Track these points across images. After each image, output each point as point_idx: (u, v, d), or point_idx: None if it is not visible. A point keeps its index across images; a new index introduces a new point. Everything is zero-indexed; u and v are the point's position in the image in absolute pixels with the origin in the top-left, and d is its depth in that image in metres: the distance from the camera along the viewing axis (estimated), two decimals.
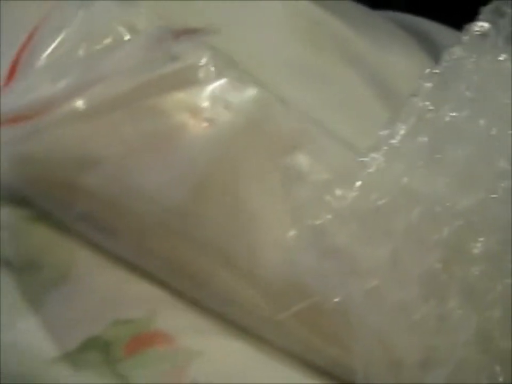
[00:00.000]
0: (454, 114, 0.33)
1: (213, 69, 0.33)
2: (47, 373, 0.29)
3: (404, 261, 0.32)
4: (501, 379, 0.30)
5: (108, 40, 0.34)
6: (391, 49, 0.45)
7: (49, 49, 0.32)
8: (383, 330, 0.32)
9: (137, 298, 0.31)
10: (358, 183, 0.33)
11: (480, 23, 0.35)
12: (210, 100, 0.32)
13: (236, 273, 0.32)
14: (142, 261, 0.32)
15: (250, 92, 0.33)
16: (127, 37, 0.33)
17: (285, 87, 0.37)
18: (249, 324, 0.32)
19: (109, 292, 0.31)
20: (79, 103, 0.31)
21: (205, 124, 0.32)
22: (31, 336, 0.30)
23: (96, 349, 0.30)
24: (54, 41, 0.32)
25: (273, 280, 0.32)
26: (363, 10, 0.46)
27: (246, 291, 0.32)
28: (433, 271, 0.33)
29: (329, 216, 0.32)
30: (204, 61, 0.33)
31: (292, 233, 0.32)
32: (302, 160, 0.33)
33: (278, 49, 0.41)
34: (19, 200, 0.32)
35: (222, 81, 0.33)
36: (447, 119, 0.33)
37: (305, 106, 0.36)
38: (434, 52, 0.46)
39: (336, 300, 0.31)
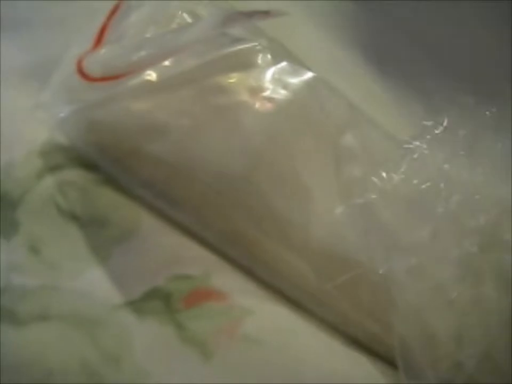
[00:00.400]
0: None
1: (269, 53, 0.36)
2: (112, 318, 0.31)
3: (443, 242, 0.35)
4: None
5: (173, 25, 0.37)
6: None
7: (128, 25, 0.35)
8: (421, 306, 0.34)
9: (195, 259, 0.33)
10: (403, 167, 0.35)
11: None
12: (270, 80, 0.35)
13: (288, 244, 0.34)
14: (199, 228, 0.34)
15: (307, 76, 0.36)
16: (189, 20, 0.36)
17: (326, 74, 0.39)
18: (296, 293, 0.34)
19: (169, 251, 0.33)
20: (152, 75, 0.34)
21: (264, 101, 0.35)
22: (98, 285, 0.31)
23: (158, 299, 0.31)
24: (130, 18, 0.35)
25: (322, 252, 0.34)
26: None
27: (296, 261, 0.34)
28: (469, 254, 0.35)
29: (375, 196, 0.35)
30: (262, 45, 0.36)
31: (340, 208, 0.34)
32: (352, 141, 0.35)
33: (325, 47, 0.44)
34: (89, 164, 0.34)
35: (281, 64, 0.35)
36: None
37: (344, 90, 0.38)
38: None
39: (379, 272, 0.33)
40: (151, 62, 0.33)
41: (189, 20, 0.37)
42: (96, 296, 0.31)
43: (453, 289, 0.34)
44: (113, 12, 0.35)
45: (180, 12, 0.37)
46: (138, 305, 0.31)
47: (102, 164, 0.34)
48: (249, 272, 0.34)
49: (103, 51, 0.33)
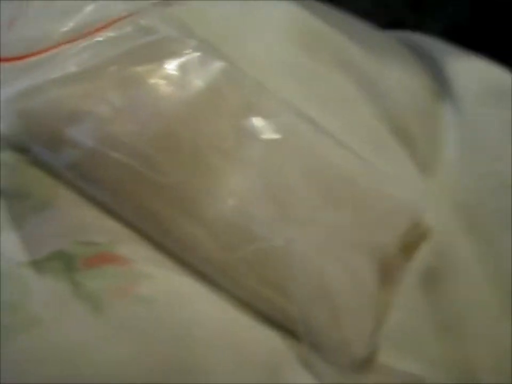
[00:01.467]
0: None
1: (183, 42, 0.39)
2: (14, 272, 0.34)
3: (364, 235, 0.36)
4: None
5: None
6: (386, 61, 0.49)
7: None
8: (325, 282, 0.35)
9: (104, 228, 0.36)
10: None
11: None
12: (181, 69, 0.38)
13: (193, 219, 0.36)
14: (113, 204, 0.37)
15: (216, 65, 0.38)
16: None
17: (273, 81, 0.42)
18: (204, 268, 0.36)
19: (80, 220, 0.36)
20: (71, 66, 0.37)
21: (174, 87, 0.37)
22: (8, 246, 0.35)
23: (59, 259, 0.34)
24: None
25: (227, 226, 0.36)
26: (364, 26, 0.52)
27: (197, 231, 0.36)
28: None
29: (278, 170, 0.37)
30: (175, 35, 0.39)
31: (244, 183, 0.36)
32: (257, 121, 0.37)
33: (273, 49, 0.47)
34: (19, 146, 0.38)
35: (193, 54, 0.38)
36: None
37: (291, 98, 0.41)
38: (433, 68, 0.50)
39: (279, 244, 0.35)
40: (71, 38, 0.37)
41: None
42: (4, 254, 0.34)
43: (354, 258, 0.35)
44: None
45: None
46: (41, 264, 0.34)
47: (31, 147, 0.38)
48: (154, 243, 0.36)
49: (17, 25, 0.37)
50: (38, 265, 0.34)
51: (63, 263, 0.34)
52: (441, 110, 0.48)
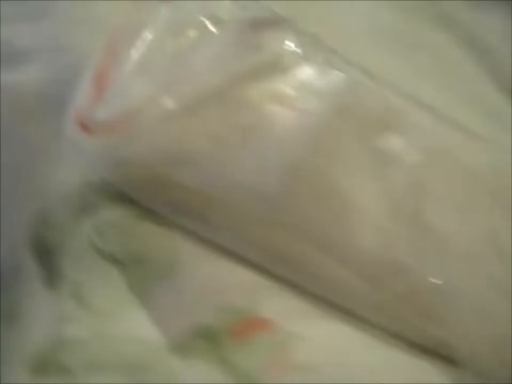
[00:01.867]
0: None
1: (298, 54, 0.33)
2: (160, 364, 0.30)
3: (501, 240, 0.32)
4: None
5: (192, 32, 0.34)
6: (485, 12, 0.43)
7: (136, 50, 0.33)
8: (484, 308, 0.32)
9: (239, 286, 0.32)
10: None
11: None
12: (297, 87, 0.33)
13: (333, 256, 0.32)
14: (239, 249, 0.33)
15: (338, 76, 0.33)
16: (210, 28, 0.34)
17: (373, 57, 0.36)
18: (349, 305, 0.33)
19: (212, 281, 0.32)
20: (169, 104, 0.32)
21: (293, 112, 0.32)
22: (143, 329, 0.31)
23: (203, 338, 0.31)
24: (138, 40, 0.33)
25: (371, 261, 0.32)
26: None
27: (344, 273, 0.32)
28: None
29: (424, 198, 0.32)
30: (288, 47, 0.33)
31: (387, 215, 0.32)
32: (394, 140, 0.32)
33: (365, 16, 0.41)
34: (125, 199, 0.34)
35: (309, 67, 0.33)
36: None
37: (396, 77, 0.35)
38: None
39: (433, 279, 0.31)
40: (167, 88, 0.32)
41: (208, 25, 0.35)
42: (142, 341, 0.31)
43: None
44: (109, 46, 0.33)
45: (197, 17, 0.35)
46: (186, 347, 0.31)
47: (136, 198, 0.33)
48: (296, 291, 0.33)
49: (110, 95, 0.31)
50: (182, 348, 0.30)
51: (209, 341, 0.30)
52: None
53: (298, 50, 0.34)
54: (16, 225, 0.33)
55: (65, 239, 0.33)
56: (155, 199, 0.33)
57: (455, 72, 0.42)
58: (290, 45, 0.34)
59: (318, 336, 0.32)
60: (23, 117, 0.36)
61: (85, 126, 0.30)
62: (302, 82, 0.33)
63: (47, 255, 0.33)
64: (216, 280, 0.32)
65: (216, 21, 0.35)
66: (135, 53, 0.32)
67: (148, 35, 0.33)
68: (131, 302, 0.32)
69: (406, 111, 0.33)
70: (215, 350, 0.30)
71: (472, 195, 0.34)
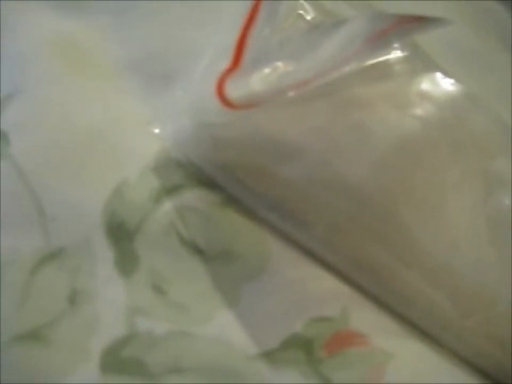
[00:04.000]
0: None
1: (412, 63, 0.30)
2: (249, 370, 0.27)
3: None
4: None
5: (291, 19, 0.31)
6: None
7: (276, 28, 0.29)
8: None
9: (331, 295, 0.29)
10: None
11: None
12: (416, 94, 0.30)
13: (425, 275, 0.30)
14: (331, 256, 0.30)
15: (455, 89, 0.30)
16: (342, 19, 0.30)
17: (455, 73, 0.34)
18: (430, 326, 0.31)
19: (303, 287, 0.29)
20: (289, 90, 0.28)
21: (410, 119, 0.30)
22: (230, 331, 0.28)
23: (298, 347, 0.28)
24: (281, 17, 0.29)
25: (463, 284, 0.30)
26: None
27: (433, 293, 0.30)
28: None
29: None
30: (405, 53, 0.30)
31: (486, 239, 0.30)
32: (503, 166, 0.30)
33: (442, 32, 0.38)
34: (210, 183, 0.30)
35: (422, 76, 0.30)
36: None
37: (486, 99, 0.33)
38: None
39: None
40: (291, 80, 0.28)
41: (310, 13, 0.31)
42: (230, 344, 0.28)
43: None
44: (251, 16, 0.29)
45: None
46: (277, 355, 0.28)
47: (224, 184, 0.30)
48: (384, 304, 0.30)
49: (248, 76, 0.27)
50: (275, 357, 0.27)
51: (302, 351, 0.27)
52: None
53: (416, 59, 0.31)
54: (89, 197, 0.29)
55: (143, 219, 0.29)
56: (245, 188, 0.30)
57: None
58: (404, 53, 0.31)
59: (406, 355, 0.29)
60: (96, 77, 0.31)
61: (225, 97, 0.26)
62: (421, 91, 0.30)
63: (121, 236, 0.29)
64: (307, 287, 0.29)
65: (321, 12, 0.31)
66: (272, 32, 0.28)
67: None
68: (216, 300, 0.28)
69: (508, 135, 0.31)
70: (308, 362, 0.28)
71: None
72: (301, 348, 0.28)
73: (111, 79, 0.32)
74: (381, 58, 0.30)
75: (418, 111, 0.30)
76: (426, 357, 0.30)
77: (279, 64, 0.27)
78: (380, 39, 0.27)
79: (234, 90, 0.26)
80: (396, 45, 0.30)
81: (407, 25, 0.27)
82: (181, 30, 0.32)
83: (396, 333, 0.30)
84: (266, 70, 0.27)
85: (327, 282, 0.30)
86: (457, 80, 0.33)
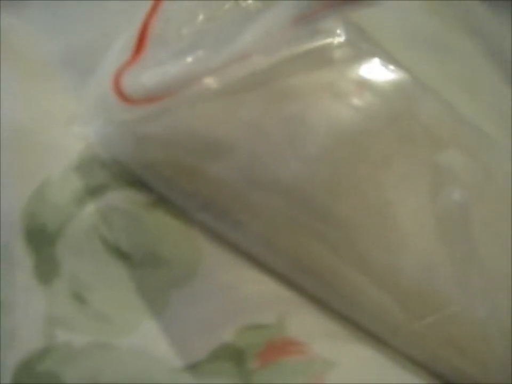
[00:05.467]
0: None
1: (354, 47, 0.28)
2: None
3: None
4: None
5: (228, 5, 0.29)
6: (508, 18, 0.39)
7: (182, 20, 0.27)
8: None
9: (266, 300, 0.27)
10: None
11: None
12: (352, 81, 0.27)
13: (370, 277, 0.28)
14: (268, 257, 0.28)
15: (394, 77, 0.28)
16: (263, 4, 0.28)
17: (408, 59, 0.32)
18: (379, 329, 0.29)
19: (236, 292, 0.27)
20: (210, 81, 0.26)
21: (346, 109, 0.27)
22: (155, 342, 0.25)
23: (228, 358, 0.25)
24: (187, 10, 0.27)
25: (411, 286, 0.28)
26: None
27: (380, 296, 0.28)
28: None
29: (476, 223, 0.28)
30: (344, 38, 0.28)
31: (435, 239, 0.28)
32: (454, 158, 0.28)
33: (399, 18, 0.36)
34: (137, 183, 0.27)
35: (364, 62, 0.28)
36: None
37: (433, 84, 0.31)
38: None
39: (478, 312, 0.27)
40: (210, 65, 0.26)
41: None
42: (153, 356, 0.25)
43: None
44: (154, 6, 0.26)
45: None
46: (205, 367, 0.25)
47: (152, 183, 0.27)
48: (326, 308, 0.28)
49: (147, 68, 0.25)
50: (203, 369, 0.25)
51: (234, 363, 0.25)
52: None
53: (353, 43, 0.28)
54: (8, 198, 0.26)
55: (65, 222, 0.27)
56: (174, 188, 0.27)
57: (482, 84, 0.38)
58: (345, 36, 0.28)
59: (349, 362, 0.27)
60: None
61: (122, 92, 0.24)
62: (357, 77, 0.27)
63: (42, 240, 0.26)
64: (241, 292, 0.27)
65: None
66: (179, 24, 0.26)
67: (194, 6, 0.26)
68: (141, 309, 0.26)
69: (463, 126, 0.29)
70: (239, 373, 0.25)
71: None
72: (231, 359, 0.25)
73: (42, 75, 0.30)
74: (318, 45, 0.27)
75: (361, 100, 0.27)
76: (375, 363, 0.28)
77: (195, 53, 0.25)
78: (306, 19, 0.25)
79: (130, 84, 0.24)
80: (338, 31, 0.28)
81: (336, 6, 0.25)
82: (115, 24, 0.30)
83: (341, 339, 0.27)
84: (171, 61, 0.24)
85: (263, 287, 0.27)
86: (414, 67, 0.31)
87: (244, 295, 0.27)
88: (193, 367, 0.25)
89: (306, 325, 0.27)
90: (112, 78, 0.24)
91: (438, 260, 0.28)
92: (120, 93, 0.24)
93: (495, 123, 0.35)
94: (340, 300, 0.28)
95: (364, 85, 0.28)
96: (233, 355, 0.26)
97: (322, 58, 0.27)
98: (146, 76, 0.24)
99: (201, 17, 0.28)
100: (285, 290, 0.27)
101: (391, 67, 0.29)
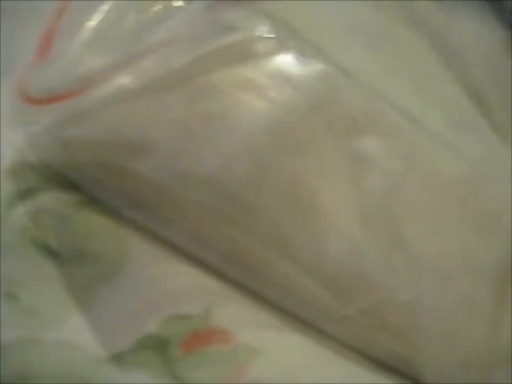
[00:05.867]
0: None
1: (273, 40, 0.29)
2: (99, 374, 0.26)
3: (477, 255, 0.29)
4: None
5: (157, 7, 0.30)
6: (457, 12, 0.40)
7: (93, 18, 0.28)
8: (453, 327, 0.28)
9: (194, 292, 0.28)
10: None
11: None
12: (271, 75, 0.28)
13: (297, 264, 0.28)
14: (197, 250, 0.28)
15: (315, 67, 0.29)
16: (177, 3, 0.29)
17: (345, 53, 0.32)
18: (310, 317, 0.29)
19: (164, 285, 0.28)
20: (127, 81, 0.27)
21: (265, 103, 0.28)
22: (83, 335, 0.26)
23: (151, 348, 0.26)
24: (97, 9, 0.28)
25: (338, 272, 0.28)
26: None
27: (308, 283, 0.28)
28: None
29: (399, 207, 0.29)
30: (263, 31, 0.29)
31: (359, 224, 0.28)
32: (372, 144, 0.29)
33: (337, 10, 0.37)
34: (66, 185, 0.28)
35: (284, 54, 0.29)
36: None
37: (370, 76, 0.31)
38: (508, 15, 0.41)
39: (406, 295, 0.28)
40: (126, 64, 0.27)
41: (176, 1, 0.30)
42: (80, 348, 0.26)
43: (488, 307, 0.29)
44: (63, 6, 0.27)
45: None
46: (129, 357, 0.26)
47: (81, 184, 0.28)
48: (256, 297, 0.29)
49: (55, 61, 0.26)
50: (127, 359, 0.26)
51: (157, 352, 0.26)
52: None
53: (273, 36, 0.29)
54: None
55: None
56: (103, 187, 0.28)
57: (426, 74, 0.38)
58: (264, 29, 0.29)
59: (276, 350, 0.28)
60: None
61: (26, 94, 0.25)
62: (276, 70, 0.28)
63: None
64: (168, 284, 0.28)
65: None
66: (89, 22, 0.27)
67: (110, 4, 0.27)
68: (70, 303, 0.27)
69: (385, 113, 0.29)
70: (162, 363, 0.26)
71: (445, 207, 0.30)
72: (155, 348, 0.26)
73: None
74: (236, 40, 0.28)
75: (280, 93, 0.28)
76: (306, 350, 0.28)
77: (103, 51, 0.26)
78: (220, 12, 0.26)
79: (35, 85, 0.25)
80: (257, 25, 0.29)
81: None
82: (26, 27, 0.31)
83: (270, 327, 0.28)
84: (76, 59, 0.25)
85: (191, 279, 0.28)
86: (355, 61, 0.32)
87: (171, 288, 0.28)
88: (117, 357, 0.26)
89: (234, 314, 0.28)
90: (17, 81, 0.25)
91: (363, 245, 0.28)
92: (26, 95, 0.25)
93: (439, 113, 0.35)
94: (270, 289, 0.29)
95: (283, 78, 0.28)
96: (157, 345, 0.26)
97: (240, 53, 0.28)
98: (50, 75, 0.25)
99: (129, 19, 0.29)
100: (214, 282, 0.28)
101: (314, 59, 0.29)
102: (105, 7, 0.28)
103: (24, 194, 0.28)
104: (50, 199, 0.28)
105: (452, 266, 0.29)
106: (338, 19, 0.36)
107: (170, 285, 0.28)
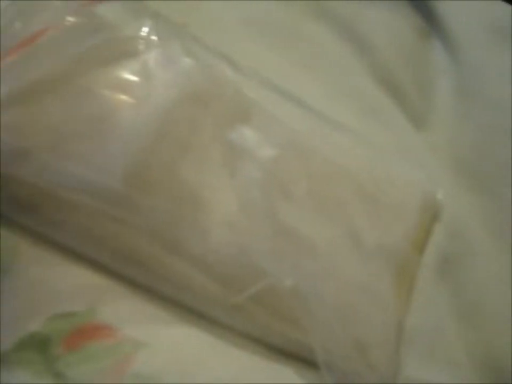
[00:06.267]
0: None
1: (151, 40, 0.29)
2: None
3: (364, 240, 0.29)
4: None
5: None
6: (366, 2, 0.40)
7: None
8: (345, 311, 0.29)
9: (80, 291, 0.28)
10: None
11: None
12: (144, 75, 0.29)
13: (184, 258, 0.29)
14: (88, 250, 0.29)
15: (190, 64, 0.29)
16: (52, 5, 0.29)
17: (244, 47, 0.33)
18: (204, 308, 0.29)
19: (50, 285, 0.28)
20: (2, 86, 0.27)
21: (138, 102, 0.28)
22: None
23: (32, 347, 0.26)
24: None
25: (223, 262, 0.29)
26: None
27: (196, 275, 0.29)
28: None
29: (277, 195, 0.29)
30: (141, 30, 0.29)
31: (239, 214, 0.28)
32: (248, 134, 0.29)
33: (238, 6, 0.37)
34: None
35: (160, 54, 0.29)
36: None
37: (269, 69, 0.32)
38: (422, 4, 0.41)
39: (290, 281, 0.28)
40: None
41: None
42: None
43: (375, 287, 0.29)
44: None
45: None
46: (10, 356, 0.26)
47: None
48: (144, 295, 0.29)
49: None
50: (7, 359, 0.26)
51: (38, 351, 0.26)
52: (431, 53, 0.40)
53: (151, 36, 0.30)
54: None
55: None
56: None
57: (333, 65, 0.39)
58: (143, 29, 0.30)
59: (162, 342, 0.28)
60: None
61: None
62: (149, 69, 0.29)
63: None
64: (54, 284, 0.28)
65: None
66: None
67: None
68: None
69: (265, 104, 0.30)
70: (43, 360, 0.26)
71: (333, 193, 0.30)
72: (36, 347, 0.26)
73: None
74: (107, 40, 0.28)
75: (148, 92, 0.28)
76: (197, 341, 0.28)
77: None
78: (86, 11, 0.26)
79: None
80: (140, 25, 0.29)
81: None
82: None
83: (159, 322, 0.28)
84: None
85: (77, 279, 0.28)
86: (255, 54, 0.32)
87: (55, 288, 0.28)
88: (0, 357, 0.26)
89: (120, 310, 0.28)
90: None
91: (245, 234, 0.29)
92: None
93: (345, 103, 0.36)
94: (161, 284, 0.29)
95: (158, 76, 0.29)
96: (38, 343, 0.27)
97: (115, 52, 0.28)
98: None
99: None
100: (103, 280, 0.28)
101: (196, 53, 0.30)
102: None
103: None
104: None
105: (340, 251, 0.29)
106: (233, 13, 0.36)
107: (57, 286, 0.28)
